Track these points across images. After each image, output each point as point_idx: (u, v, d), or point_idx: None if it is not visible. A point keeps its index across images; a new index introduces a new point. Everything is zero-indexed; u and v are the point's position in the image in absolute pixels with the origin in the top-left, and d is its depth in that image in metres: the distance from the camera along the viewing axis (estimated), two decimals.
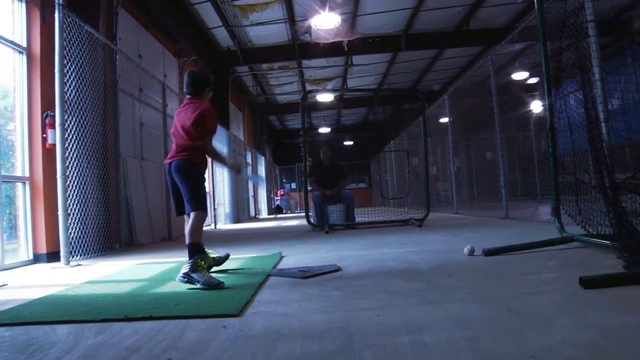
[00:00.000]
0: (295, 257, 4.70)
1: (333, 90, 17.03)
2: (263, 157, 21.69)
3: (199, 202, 3.53)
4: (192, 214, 3.50)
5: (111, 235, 6.22)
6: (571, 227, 4.35)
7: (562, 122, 4.38)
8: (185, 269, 3.24)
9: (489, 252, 3.91)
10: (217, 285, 3.13)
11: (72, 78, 5.48)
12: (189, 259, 3.30)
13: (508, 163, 8.73)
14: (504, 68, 12.31)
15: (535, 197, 8.99)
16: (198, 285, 3.13)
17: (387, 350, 1.72)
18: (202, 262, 3.29)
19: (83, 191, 5.55)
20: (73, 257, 5.15)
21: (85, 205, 5.59)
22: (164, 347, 1.91)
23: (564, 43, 4.34)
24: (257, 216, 18.88)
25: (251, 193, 17.95)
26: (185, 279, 3.20)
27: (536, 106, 11.07)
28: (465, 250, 4.01)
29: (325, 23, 10.37)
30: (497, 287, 2.74)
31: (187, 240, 3.44)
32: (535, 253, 3.88)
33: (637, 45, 9.98)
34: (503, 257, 3.84)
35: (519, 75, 12.24)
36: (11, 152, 5.35)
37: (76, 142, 5.51)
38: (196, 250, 3.37)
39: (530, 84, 12.32)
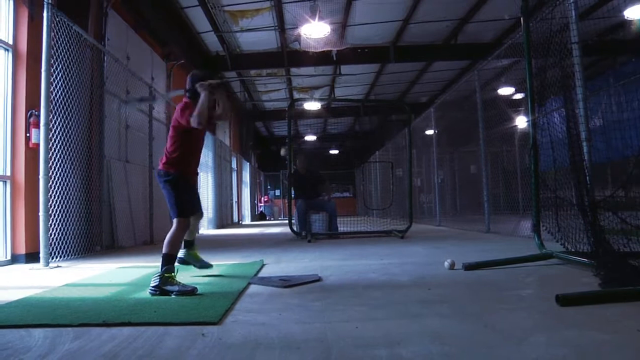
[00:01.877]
0: (277, 265, 4.70)
1: (320, 99, 17.07)
2: (248, 163, 21.66)
3: (180, 209, 3.49)
4: (174, 222, 3.47)
5: (92, 237, 6.16)
6: (551, 243, 4.41)
7: (545, 139, 4.45)
8: (154, 281, 3.18)
9: (469, 267, 3.94)
10: (191, 292, 3.11)
11: (58, 78, 5.46)
12: (160, 269, 3.25)
13: (491, 177, 8.81)
14: (490, 83, 12.46)
15: (517, 212, 9.08)
16: (172, 295, 3.10)
17: None
18: (172, 274, 3.24)
19: (65, 192, 5.50)
20: (53, 258, 5.10)
21: (67, 206, 5.54)
22: (141, 354, 1.90)
23: (548, 61, 4.42)
24: (240, 222, 18.81)
25: (235, 199, 17.90)
26: (157, 292, 3.13)
27: (521, 122, 11.20)
28: (446, 264, 4.04)
29: (315, 32, 10.40)
30: (476, 302, 2.77)
31: (163, 249, 3.38)
32: (515, 269, 3.93)
33: (620, 66, 10.16)
34: (483, 271, 3.87)
35: (505, 91, 12.39)
36: None
37: (60, 142, 5.47)
38: (168, 261, 3.30)
39: (516, 99, 12.48)
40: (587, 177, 3.94)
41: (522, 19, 4.82)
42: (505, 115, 8.95)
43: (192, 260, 3.91)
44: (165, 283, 3.16)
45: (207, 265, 3.97)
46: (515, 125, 11.43)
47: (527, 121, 4.88)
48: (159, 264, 3.27)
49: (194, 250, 3.95)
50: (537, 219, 4.59)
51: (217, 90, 3.60)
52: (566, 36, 4.46)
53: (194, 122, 3.36)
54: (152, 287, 3.17)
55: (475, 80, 8.35)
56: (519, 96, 12.32)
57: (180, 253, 3.86)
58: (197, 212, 3.84)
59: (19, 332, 2.25)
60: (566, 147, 4.14)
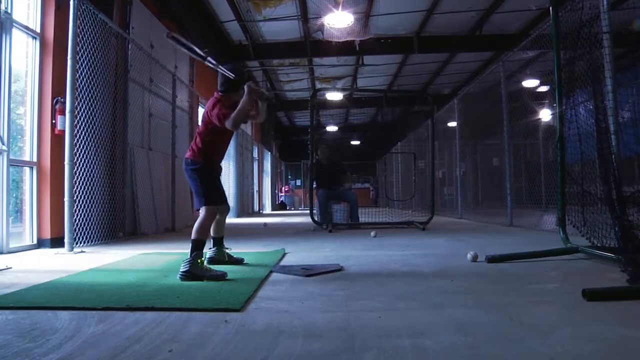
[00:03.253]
0: (298, 254, 4.71)
1: (342, 89, 16.99)
2: (269, 153, 21.71)
3: (207, 198, 3.55)
4: (201, 210, 3.53)
5: (115, 223, 6.24)
6: (575, 237, 4.34)
7: (572, 132, 4.37)
8: (184, 267, 3.22)
9: (492, 259, 3.90)
10: (222, 277, 3.15)
11: (83, 65, 5.51)
12: (189, 255, 3.29)
13: (514, 170, 8.69)
14: (515, 75, 12.27)
15: (541, 206, 8.96)
16: (204, 280, 3.13)
17: (388, 352, 1.72)
18: (201, 259, 3.29)
19: (90, 178, 5.57)
20: (77, 243, 5.17)
21: (91, 192, 5.61)
22: (165, 338, 1.91)
23: (577, 53, 4.33)
24: (260, 211, 18.90)
25: (256, 188, 17.98)
26: (188, 276, 3.17)
27: (545, 114, 11.02)
28: (469, 256, 4.00)
29: (338, 22, 10.33)
30: (500, 295, 2.74)
31: (192, 235, 3.43)
32: (539, 262, 3.87)
33: None
34: (506, 264, 3.83)
35: (530, 83, 12.19)
36: (20, 137, 5.37)
37: (85, 129, 5.53)
38: (197, 247, 3.35)
39: (541, 92, 12.28)
40: (615, 171, 3.86)
41: (551, 8, 4.73)
42: (530, 107, 8.82)
43: (223, 257, 3.93)
44: (195, 268, 3.21)
45: (239, 261, 3.99)
46: (540, 118, 11.26)
47: (553, 113, 4.80)
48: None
49: (223, 248, 3.98)
50: (562, 213, 4.52)
51: (259, 95, 3.64)
52: (596, 26, 4.36)
53: (229, 124, 3.40)
54: (182, 272, 3.20)
55: (501, 71, 8.22)
56: (543, 88, 12.11)
57: (211, 252, 3.90)
58: (224, 204, 3.86)
59: (46, 314, 2.28)
60: (594, 139, 4.06)
